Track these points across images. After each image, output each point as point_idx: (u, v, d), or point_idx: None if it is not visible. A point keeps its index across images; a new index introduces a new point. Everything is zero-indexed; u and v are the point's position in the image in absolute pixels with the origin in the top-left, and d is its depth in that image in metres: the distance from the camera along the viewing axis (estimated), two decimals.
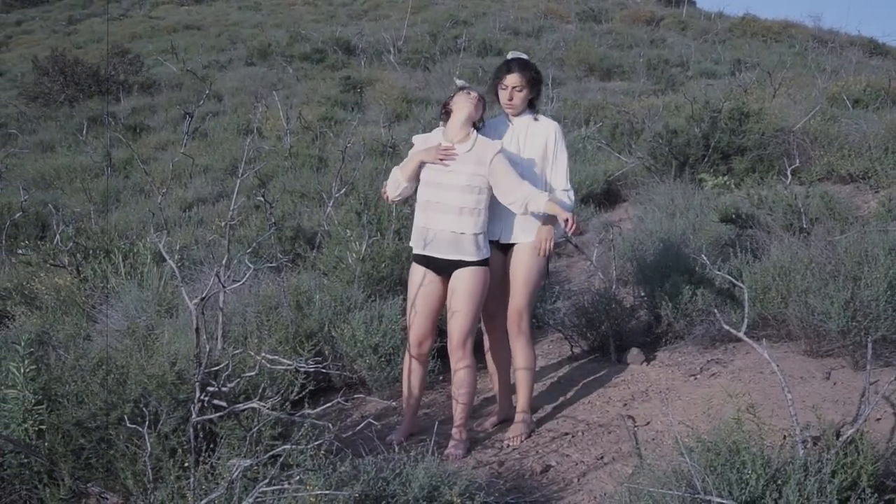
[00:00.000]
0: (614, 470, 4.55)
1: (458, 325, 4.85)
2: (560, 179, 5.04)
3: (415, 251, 4.98)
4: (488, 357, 5.32)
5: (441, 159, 4.82)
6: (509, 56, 5.12)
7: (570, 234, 5.01)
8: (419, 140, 5.07)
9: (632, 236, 7.68)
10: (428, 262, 4.91)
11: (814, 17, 50.29)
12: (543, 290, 6.00)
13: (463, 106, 4.89)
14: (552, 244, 4.99)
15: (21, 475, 4.02)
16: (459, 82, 5.03)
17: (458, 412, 4.95)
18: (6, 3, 45.18)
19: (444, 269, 4.88)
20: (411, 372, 5.10)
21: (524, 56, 5.13)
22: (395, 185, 5.02)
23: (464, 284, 4.83)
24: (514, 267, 5.02)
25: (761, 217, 7.42)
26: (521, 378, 5.12)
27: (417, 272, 4.97)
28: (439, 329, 5.15)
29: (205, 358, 3.92)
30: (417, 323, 4.98)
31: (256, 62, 24.52)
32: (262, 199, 8.00)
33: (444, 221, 4.81)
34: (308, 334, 5.69)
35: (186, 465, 3.75)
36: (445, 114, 4.97)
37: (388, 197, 5.10)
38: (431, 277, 4.93)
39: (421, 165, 4.91)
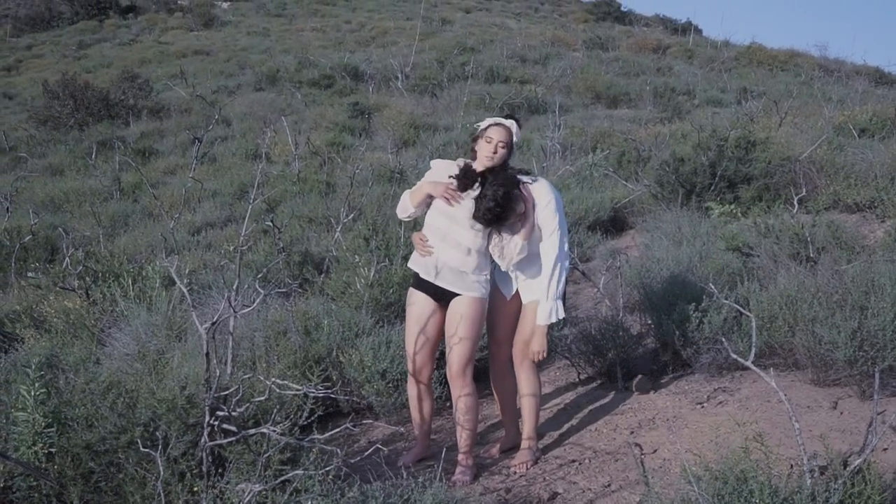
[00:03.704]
0: (621, 498, 4.54)
1: (457, 353, 4.86)
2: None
3: (416, 270, 4.97)
4: (494, 384, 5.33)
5: (446, 198, 4.83)
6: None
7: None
8: (437, 165, 5.05)
9: (639, 264, 7.69)
10: (428, 288, 4.93)
11: (820, 47, 50.38)
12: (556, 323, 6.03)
13: (482, 153, 4.84)
14: (544, 353, 5.00)
15: (30, 498, 4.03)
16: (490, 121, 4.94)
17: (464, 439, 4.95)
18: (17, 28, 45.52)
19: (443, 296, 4.91)
20: (420, 399, 5.12)
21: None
22: (404, 208, 5.07)
23: (464, 311, 4.84)
24: (526, 309, 5.04)
25: (768, 246, 7.43)
26: (526, 405, 5.13)
27: (417, 298, 4.99)
28: (438, 355, 5.16)
29: (214, 382, 3.94)
30: (420, 351, 5.00)
31: (265, 87, 24.67)
32: (270, 223, 8.04)
33: (451, 256, 4.84)
34: (316, 359, 5.72)
35: (196, 489, 3.76)
36: (473, 156, 4.93)
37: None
38: (431, 304, 4.95)
39: (430, 196, 4.94)
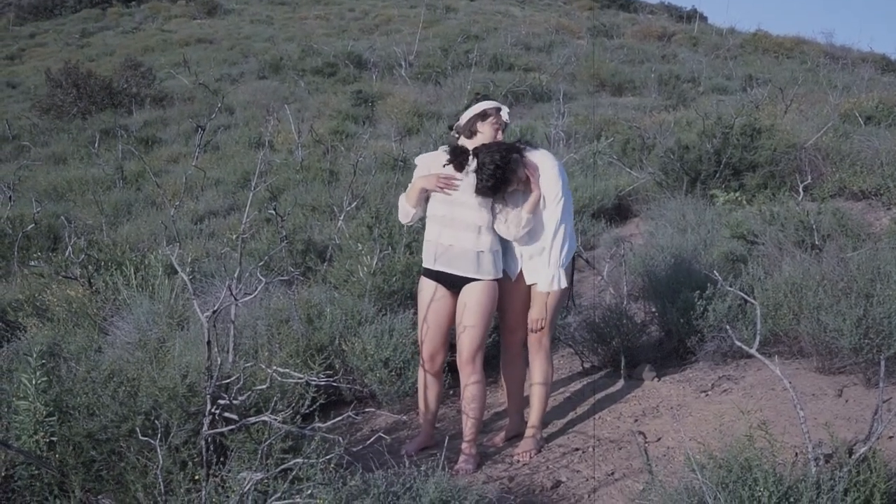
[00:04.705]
0: (625, 486, 4.53)
1: (468, 340, 4.84)
2: None
3: (428, 266, 4.95)
4: (504, 370, 5.31)
5: (441, 187, 4.81)
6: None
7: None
8: (422, 161, 5.04)
9: (643, 252, 7.66)
10: (440, 277, 4.90)
11: (826, 34, 50.32)
12: (566, 308, 6.02)
13: (486, 137, 4.85)
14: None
15: (32, 487, 4.02)
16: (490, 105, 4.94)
17: (469, 427, 4.94)
18: (20, 16, 45.50)
19: (455, 283, 4.88)
20: (427, 387, 5.10)
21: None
22: (404, 213, 5.03)
23: (475, 298, 4.81)
24: (534, 291, 5.00)
25: (773, 233, 7.40)
26: (535, 393, 5.10)
27: (428, 287, 4.96)
28: (450, 343, 5.14)
29: (216, 371, 3.92)
30: (430, 338, 4.97)
31: (268, 76, 24.64)
32: (273, 212, 8.02)
33: (462, 239, 4.80)
34: (319, 348, 5.70)
35: (197, 478, 3.75)
36: (469, 134, 4.91)
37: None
38: (443, 292, 4.92)
39: (425, 190, 4.91)
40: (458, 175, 4.80)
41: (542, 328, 4.95)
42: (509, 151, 4.70)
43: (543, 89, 19.88)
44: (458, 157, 4.77)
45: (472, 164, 4.73)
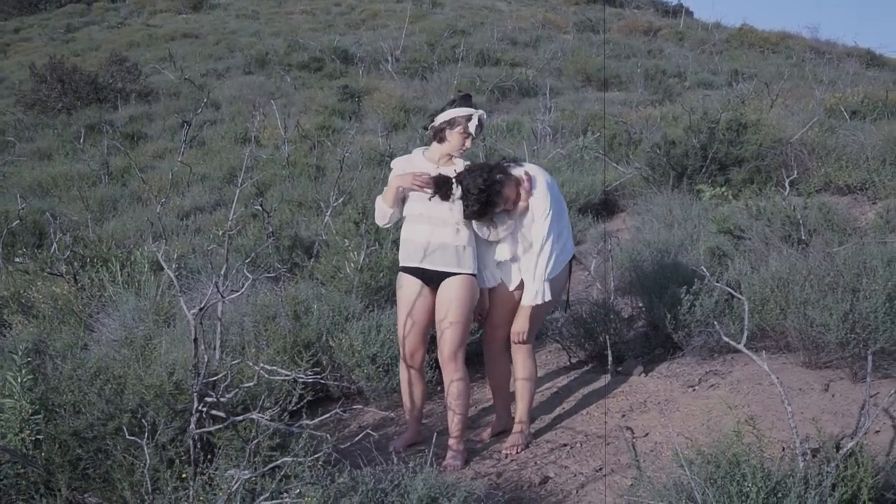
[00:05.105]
0: (613, 482, 4.53)
1: (449, 337, 4.84)
2: None
3: (407, 264, 4.94)
4: (487, 367, 5.31)
5: (418, 186, 4.81)
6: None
7: None
8: (398, 164, 5.04)
9: (630, 247, 7.67)
10: (423, 274, 4.89)
11: (811, 29, 50.36)
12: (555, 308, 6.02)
13: (454, 146, 4.87)
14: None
15: (18, 486, 4.00)
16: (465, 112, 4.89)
17: (455, 424, 4.94)
18: (4, 11, 45.21)
19: (434, 279, 4.88)
20: (411, 384, 5.10)
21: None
22: (381, 214, 5.03)
23: (455, 293, 4.81)
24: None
25: (759, 228, 7.41)
26: (520, 388, 5.10)
27: (412, 284, 4.94)
28: (429, 338, 5.14)
29: (203, 368, 3.91)
30: (411, 335, 4.97)
31: (254, 71, 24.54)
32: (259, 208, 7.99)
33: (442, 234, 4.81)
34: (306, 344, 5.68)
35: (184, 476, 3.73)
36: (439, 139, 4.92)
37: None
38: (421, 286, 4.92)
39: (402, 189, 4.91)
40: (432, 172, 4.82)
41: (523, 341, 4.97)
42: (492, 173, 4.70)
43: (530, 84, 19.89)
44: (442, 188, 4.77)
45: (457, 191, 4.73)
